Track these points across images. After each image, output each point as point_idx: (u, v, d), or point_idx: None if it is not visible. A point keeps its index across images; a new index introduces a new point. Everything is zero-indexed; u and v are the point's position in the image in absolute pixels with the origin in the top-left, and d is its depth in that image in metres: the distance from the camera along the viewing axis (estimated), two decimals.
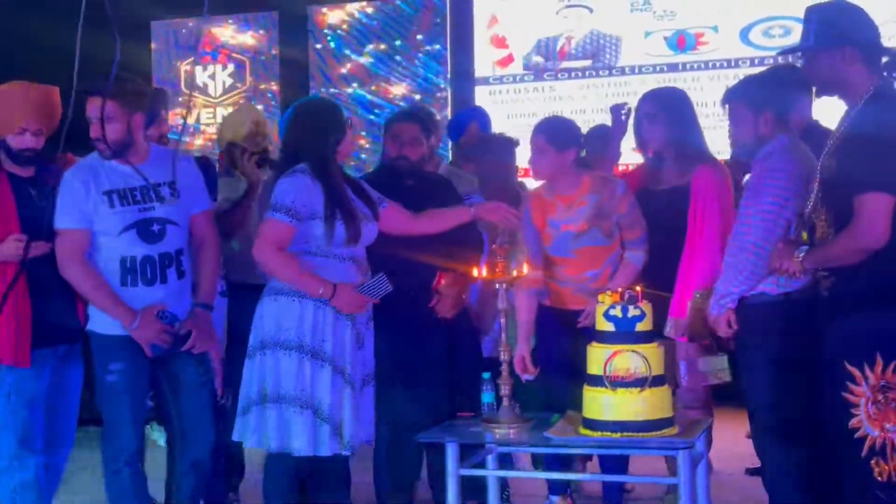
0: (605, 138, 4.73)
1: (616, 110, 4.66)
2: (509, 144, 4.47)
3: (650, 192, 3.90)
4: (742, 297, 3.34)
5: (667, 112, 3.87)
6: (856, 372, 2.88)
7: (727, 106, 3.49)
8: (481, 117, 5.27)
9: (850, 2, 3.06)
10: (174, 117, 7.33)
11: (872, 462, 2.87)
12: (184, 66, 8.28)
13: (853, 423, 2.89)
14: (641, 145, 4.03)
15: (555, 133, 3.79)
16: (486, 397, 3.51)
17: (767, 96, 3.37)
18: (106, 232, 3.40)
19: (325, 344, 3.39)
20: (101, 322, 3.44)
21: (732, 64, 6.86)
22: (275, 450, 3.40)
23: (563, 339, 3.78)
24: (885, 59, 2.98)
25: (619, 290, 3.29)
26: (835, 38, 2.96)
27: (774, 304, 3.29)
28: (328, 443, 3.36)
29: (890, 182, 2.80)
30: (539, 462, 4.22)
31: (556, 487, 4.06)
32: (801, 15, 3.13)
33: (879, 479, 2.86)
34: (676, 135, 3.84)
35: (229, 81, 8.18)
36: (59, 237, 3.41)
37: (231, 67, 8.18)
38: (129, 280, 3.42)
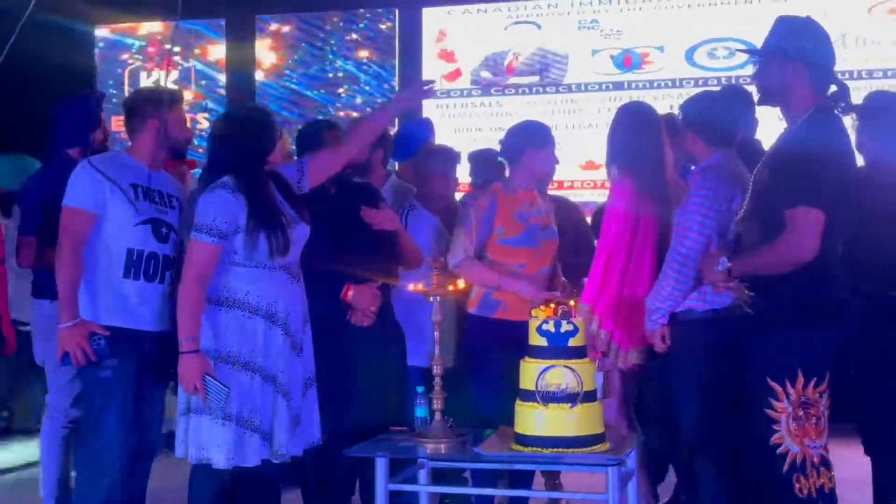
0: (489, 161, 4.87)
1: None
2: (450, 157, 4.49)
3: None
4: (673, 314, 3.39)
5: (621, 125, 3.94)
6: (777, 388, 2.94)
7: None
8: (432, 132, 5.25)
9: (818, 24, 3.13)
10: (117, 122, 7.26)
11: (794, 478, 2.93)
12: (128, 72, 8.22)
13: (775, 438, 2.95)
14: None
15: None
16: (419, 411, 3.50)
17: (701, 117, 3.47)
18: (122, 221, 3.48)
19: (255, 354, 3.34)
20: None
21: (677, 84, 6.97)
22: (195, 461, 3.36)
23: (500, 354, 3.80)
24: (833, 89, 3.05)
25: (553, 305, 3.33)
26: (789, 51, 3.03)
27: (701, 320, 3.35)
28: (257, 453, 3.32)
29: (821, 198, 2.87)
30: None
31: None
32: (745, 37, 3.22)
33: (800, 495, 2.93)
34: (624, 148, 3.89)
35: (174, 88, 8.13)
36: (67, 214, 3.50)
37: (176, 74, 8.13)
38: (133, 273, 3.48)
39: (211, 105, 8.15)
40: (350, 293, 3.82)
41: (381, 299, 3.87)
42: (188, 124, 3.83)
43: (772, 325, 2.97)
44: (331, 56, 7.87)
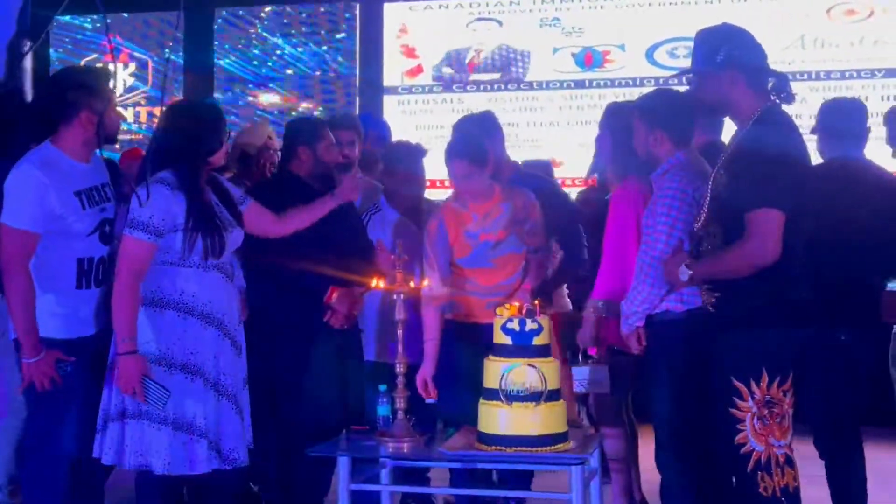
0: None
1: None
2: (417, 152, 4.38)
3: (601, 202, 4.04)
4: (650, 315, 3.40)
5: (613, 127, 3.95)
6: (742, 387, 2.95)
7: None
8: (377, 126, 5.18)
9: (736, 26, 3.16)
10: None
11: (758, 476, 2.95)
12: (83, 65, 8.07)
13: (739, 438, 2.96)
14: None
15: (476, 154, 3.78)
16: (382, 410, 3.48)
17: (662, 115, 3.43)
18: (72, 234, 3.25)
19: (194, 356, 3.24)
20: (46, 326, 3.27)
21: (638, 83, 6.99)
22: (132, 467, 3.24)
23: (464, 353, 3.78)
24: (771, 82, 3.07)
25: (518, 304, 3.32)
26: (719, 63, 3.04)
27: (677, 321, 3.34)
28: (206, 460, 3.22)
29: (780, 198, 2.88)
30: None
31: None
32: None
33: (764, 493, 2.94)
34: (618, 150, 3.90)
35: (130, 81, 8.02)
36: (8, 234, 3.20)
37: (133, 67, 8.02)
38: (84, 282, 3.30)
39: (171, 97, 8.03)
40: (335, 296, 3.80)
41: (362, 305, 3.84)
42: (117, 109, 3.57)
43: (735, 324, 2.98)
44: (290, 49, 7.79)
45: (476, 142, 3.87)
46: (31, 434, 3.43)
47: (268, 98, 7.82)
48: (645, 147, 3.46)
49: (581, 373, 3.79)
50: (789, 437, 2.99)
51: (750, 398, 2.94)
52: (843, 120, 3.90)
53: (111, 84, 3.60)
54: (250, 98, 7.84)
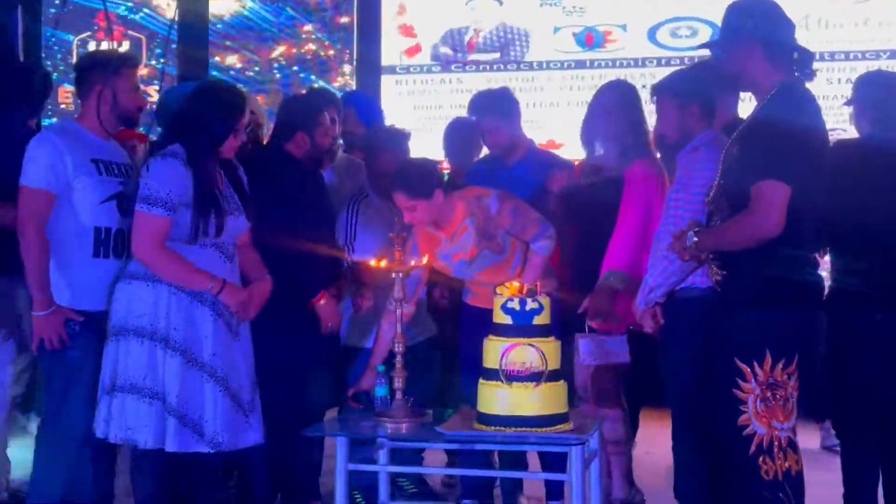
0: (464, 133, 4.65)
1: None
2: (401, 137, 4.30)
3: (581, 186, 3.99)
4: (671, 291, 3.37)
5: (617, 105, 3.94)
6: (745, 368, 2.93)
7: (655, 99, 3.55)
8: (360, 103, 5.06)
9: (769, 2, 3.13)
10: (65, 93, 7.11)
11: (760, 460, 2.93)
12: (77, 43, 8.04)
13: (742, 419, 2.95)
14: (588, 138, 4.07)
15: (416, 186, 3.65)
16: (380, 391, 3.47)
17: (694, 90, 3.46)
18: (87, 200, 3.38)
19: (177, 332, 3.26)
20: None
21: (639, 63, 6.96)
22: (119, 440, 3.28)
23: (484, 337, 3.76)
24: (795, 56, 3.06)
25: (519, 283, 3.30)
26: (739, 36, 3.05)
27: (702, 297, 3.30)
28: (175, 437, 3.23)
29: (787, 171, 2.86)
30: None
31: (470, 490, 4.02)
32: (708, 16, 3.23)
33: (766, 477, 2.93)
34: (621, 128, 3.90)
35: (129, 52, 7.97)
36: (24, 195, 3.37)
37: (126, 45, 7.98)
38: (102, 251, 3.40)
39: (165, 76, 7.99)
40: (322, 301, 3.80)
41: (340, 322, 3.86)
42: (140, 93, 3.69)
43: (740, 304, 2.96)
44: (287, 30, 7.75)
45: (419, 172, 3.72)
46: (44, 412, 3.53)
47: (262, 77, 7.78)
48: (679, 125, 3.48)
49: (590, 344, 3.77)
50: (793, 420, 2.97)
51: (753, 379, 2.93)
52: (884, 92, 3.78)
53: (133, 68, 3.63)
54: (244, 75, 7.80)
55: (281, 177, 3.84)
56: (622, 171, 3.85)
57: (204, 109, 3.39)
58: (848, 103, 3.89)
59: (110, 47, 7.87)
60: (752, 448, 2.94)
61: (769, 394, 2.92)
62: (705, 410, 3.24)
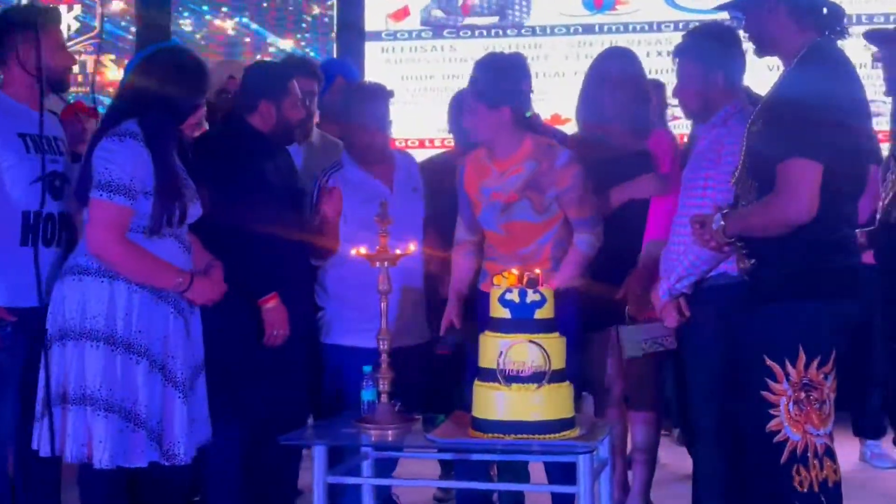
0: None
1: None
2: (379, 94, 4.16)
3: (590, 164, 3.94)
4: (698, 281, 3.36)
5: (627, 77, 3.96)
6: (776, 367, 2.91)
7: (677, 61, 3.53)
8: (349, 72, 5.06)
9: None
10: None
11: (793, 469, 2.91)
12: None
13: (772, 425, 2.92)
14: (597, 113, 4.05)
15: (484, 87, 3.71)
16: (366, 394, 3.43)
17: (721, 55, 3.42)
18: (14, 181, 3.32)
19: (141, 335, 3.22)
20: None
21: (655, 28, 6.94)
22: (72, 460, 3.22)
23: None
24: (824, 12, 3.02)
25: (518, 272, 3.26)
26: None
27: (731, 286, 3.25)
28: (144, 451, 3.20)
29: (817, 148, 2.83)
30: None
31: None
32: None
33: (800, 488, 2.91)
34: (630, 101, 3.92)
35: (76, 25, 7.92)
36: None
37: (78, 9, 7.92)
38: (31, 239, 3.33)
39: (124, 43, 7.96)
40: (270, 304, 3.72)
41: (286, 333, 3.77)
42: (66, 50, 3.62)
43: (770, 296, 2.94)
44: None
45: (498, 74, 3.76)
46: None
47: (234, 44, 7.74)
48: (702, 96, 3.44)
49: (636, 332, 3.75)
50: (830, 425, 2.95)
51: (785, 380, 2.90)
52: None
53: (58, 23, 3.59)
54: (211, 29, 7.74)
55: (238, 154, 3.75)
56: (632, 148, 3.86)
57: (163, 81, 3.31)
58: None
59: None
60: (785, 456, 2.91)
61: (803, 395, 2.89)
62: (731, 413, 3.22)
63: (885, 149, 4.42)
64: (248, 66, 4.27)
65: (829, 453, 2.94)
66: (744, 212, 3.03)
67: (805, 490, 2.90)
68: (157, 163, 3.23)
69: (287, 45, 7.69)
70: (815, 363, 2.90)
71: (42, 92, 3.43)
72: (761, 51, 3.15)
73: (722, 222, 3.02)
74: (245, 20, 7.80)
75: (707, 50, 3.46)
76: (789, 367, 2.90)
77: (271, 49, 7.66)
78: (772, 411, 2.92)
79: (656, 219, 3.79)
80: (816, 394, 2.91)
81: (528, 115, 3.83)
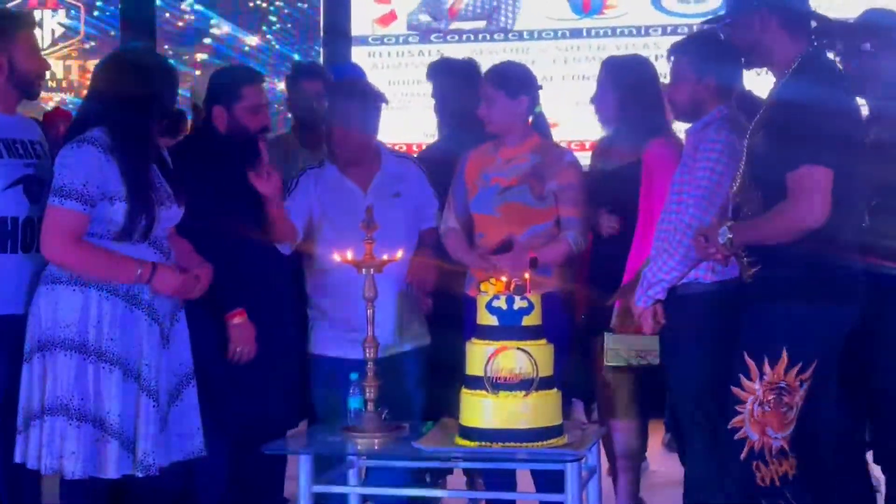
0: None
1: None
2: (355, 92, 4.08)
3: (594, 173, 4.03)
4: (672, 287, 3.37)
5: (619, 82, 3.96)
6: (752, 365, 2.93)
7: (671, 60, 3.55)
8: (361, 77, 5.09)
9: None
10: None
11: (753, 466, 2.97)
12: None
13: (735, 421, 2.98)
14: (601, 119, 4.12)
15: (506, 78, 3.87)
16: (353, 402, 3.43)
17: (714, 61, 3.43)
18: None
19: (114, 343, 3.20)
20: None
21: (642, 32, 6.95)
22: (48, 471, 3.20)
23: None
24: (813, 24, 3.07)
25: (506, 278, 3.27)
26: (751, 4, 3.06)
27: (707, 293, 3.32)
28: (116, 462, 3.17)
29: (824, 154, 2.87)
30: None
31: None
32: None
33: (762, 484, 2.96)
34: (630, 107, 3.91)
35: (61, 30, 7.92)
36: None
37: (63, 14, 7.92)
38: (9, 245, 3.30)
39: (108, 48, 7.94)
40: (236, 320, 3.68)
41: (252, 350, 3.73)
42: (40, 55, 3.56)
43: (763, 296, 2.97)
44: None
45: (515, 69, 3.99)
46: None
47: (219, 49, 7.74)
48: (692, 97, 3.46)
49: (619, 341, 3.74)
50: (789, 431, 2.99)
51: (758, 379, 2.93)
52: None
53: (32, 28, 3.53)
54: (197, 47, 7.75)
55: (203, 157, 3.72)
56: (634, 157, 3.86)
57: (128, 83, 3.29)
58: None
59: (42, 16, 7.86)
60: (744, 453, 2.97)
61: (771, 397, 2.93)
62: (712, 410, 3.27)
63: None
64: (213, 71, 4.28)
65: (784, 453, 2.98)
66: (752, 223, 3.04)
67: (767, 485, 2.96)
68: (123, 169, 3.21)
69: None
70: (796, 369, 2.93)
71: (16, 96, 3.41)
72: (752, 62, 3.22)
73: (729, 235, 3.04)
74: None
75: (704, 52, 3.47)
76: (767, 368, 2.93)
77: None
78: (738, 407, 2.97)
79: (644, 240, 3.74)
80: (788, 398, 2.94)
81: (537, 110, 4.00)
